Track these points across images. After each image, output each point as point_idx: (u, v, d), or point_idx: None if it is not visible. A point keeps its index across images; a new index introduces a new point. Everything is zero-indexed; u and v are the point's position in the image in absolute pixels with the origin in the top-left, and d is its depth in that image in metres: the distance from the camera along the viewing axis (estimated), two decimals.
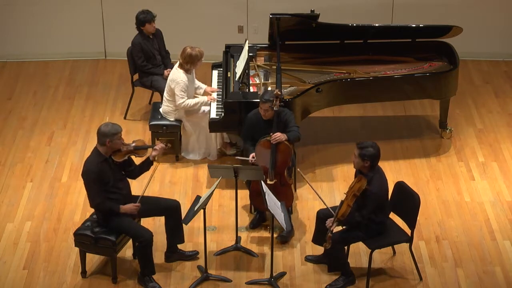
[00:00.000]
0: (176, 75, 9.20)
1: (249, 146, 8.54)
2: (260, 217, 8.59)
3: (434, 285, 7.86)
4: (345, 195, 7.50)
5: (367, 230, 7.64)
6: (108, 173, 7.60)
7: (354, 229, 7.65)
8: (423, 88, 9.51)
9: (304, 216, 8.71)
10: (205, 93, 9.54)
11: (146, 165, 7.89)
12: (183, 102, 9.21)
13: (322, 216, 7.79)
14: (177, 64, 9.25)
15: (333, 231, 7.46)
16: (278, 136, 8.26)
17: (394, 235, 7.80)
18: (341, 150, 9.67)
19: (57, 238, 8.41)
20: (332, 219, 7.51)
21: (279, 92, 8.38)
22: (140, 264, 7.79)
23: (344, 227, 7.74)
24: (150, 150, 7.89)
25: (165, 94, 9.37)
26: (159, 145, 7.85)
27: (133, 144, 7.74)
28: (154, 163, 7.86)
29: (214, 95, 9.48)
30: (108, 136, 7.54)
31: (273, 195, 7.80)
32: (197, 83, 9.58)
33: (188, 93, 9.27)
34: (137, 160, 7.96)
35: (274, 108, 8.34)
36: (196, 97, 9.39)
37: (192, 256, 8.14)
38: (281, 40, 9.60)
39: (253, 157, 8.41)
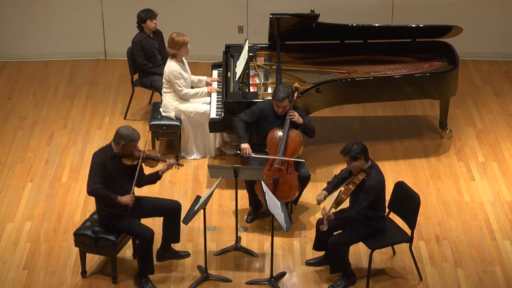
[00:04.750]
0: (168, 65, 9.35)
1: (244, 133, 8.50)
2: (256, 209, 8.60)
3: (434, 285, 7.86)
4: (343, 187, 7.54)
5: (369, 228, 7.65)
6: (114, 170, 7.61)
7: (355, 229, 7.65)
8: (423, 88, 9.51)
9: (304, 216, 8.71)
10: (206, 84, 9.66)
11: (154, 177, 7.89)
12: (182, 91, 9.30)
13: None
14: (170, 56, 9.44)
15: (329, 215, 7.52)
16: (296, 114, 8.39)
17: (394, 235, 7.80)
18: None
19: (57, 238, 8.41)
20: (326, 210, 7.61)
21: (298, 85, 8.65)
22: (139, 263, 7.79)
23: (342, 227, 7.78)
24: (160, 164, 7.85)
25: (163, 88, 9.44)
26: (171, 161, 7.83)
27: (146, 153, 7.74)
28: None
29: (215, 84, 9.54)
30: (124, 139, 7.57)
31: (273, 196, 7.81)
32: (196, 77, 9.68)
33: (186, 84, 9.37)
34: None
35: (292, 100, 8.50)
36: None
37: (184, 256, 8.15)
38: (281, 40, 9.60)
39: (248, 150, 8.39)
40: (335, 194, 7.69)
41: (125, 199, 7.62)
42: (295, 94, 8.63)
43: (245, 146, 8.47)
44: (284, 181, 8.35)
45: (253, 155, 8.43)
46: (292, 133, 8.44)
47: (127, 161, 7.68)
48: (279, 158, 8.34)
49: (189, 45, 9.32)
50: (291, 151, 8.40)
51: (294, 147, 8.41)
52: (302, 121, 8.50)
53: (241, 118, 8.58)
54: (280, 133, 8.44)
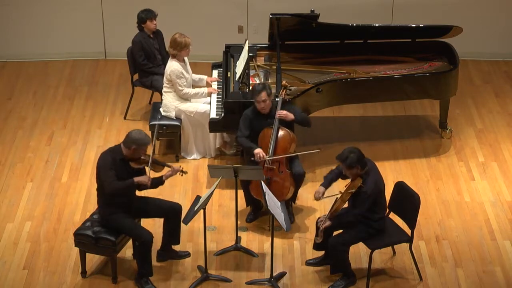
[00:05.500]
0: (170, 64, 9.37)
1: (251, 143, 8.49)
2: (256, 208, 8.60)
3: (434, 285, 7.86)
4: (340, 194, 7.53)
5: (368, 229, 7.65)
6: (121, 171, 7.62)
7: (355, 229, 7.65)
8: (423, 88, 9.51)
9: (304, 216, 8.71)
10: (207, 84, 9.68)
11: (156, 182, 7.87)
12: (182, 90, 9.30)
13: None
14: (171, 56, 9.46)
15: (325, 226, 7.54)
16: (284, 112, 8.39)
17: (394, 235, 7.80)
18: (341, 150, 9.63)
19: (57, 238, 8.41)
20: (325, 215, 7.60)
21: (286, 83, 8.69)
22: (138, 264, 7.80)
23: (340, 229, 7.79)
24: (166, 169, 7.86)
25: (163, 87, 9.45)
26: (176, 168, 7.84)
27: (153, 158, 7.74)
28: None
29: (215, 85, 9.55)
30: (136, 144, 7.57)
31: (273, 196, 7.81)
32: (197, 76, 9.70)
33: (187, 84, 9.40)
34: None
35: (281, 98, 8.51)
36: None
37: (184, 256, 8.15)
38: (281, 40, 9.60)
39: (261, 153, 8.34)
40: (332, 199, 7.67)
41: (143, 178, 7.66)
42: (284, 92, 8.63)
43: (258, 150, 8.38)
44: (276, 180, 8.35)
45: (267, 158, 8.39)
46: (281, 132, 8.44)
47: (134, 164, 7.70)
48: (294, 154, 8.34)
49: (190, 46, 9.32)
50: (281, 150, 8.40)
51: (285, 145, 8.41)
52: (292, 118, 8.49)
53: (241, 135, 8.56)
54: (269, 133, 8.43)
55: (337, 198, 7.56)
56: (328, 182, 7.81)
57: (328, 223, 7.57)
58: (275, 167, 8.36)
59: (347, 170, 7.52)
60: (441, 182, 9.23)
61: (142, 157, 7.71)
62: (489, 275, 7.97)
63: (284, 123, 8.49)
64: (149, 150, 7.77)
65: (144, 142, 7.61)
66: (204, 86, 9.65)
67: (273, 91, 8.75)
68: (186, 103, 9.45)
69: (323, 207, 8.71)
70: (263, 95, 8.41)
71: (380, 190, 7.61)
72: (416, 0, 11.27)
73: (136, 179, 7.65)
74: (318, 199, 7.74)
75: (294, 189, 8.47)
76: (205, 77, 9.73)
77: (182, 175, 7.90)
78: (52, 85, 11.06)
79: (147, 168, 7.77)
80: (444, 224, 8.62)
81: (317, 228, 7.77)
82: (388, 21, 11.27)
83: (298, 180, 8.46)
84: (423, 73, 9.56)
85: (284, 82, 8.78)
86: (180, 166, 7.87)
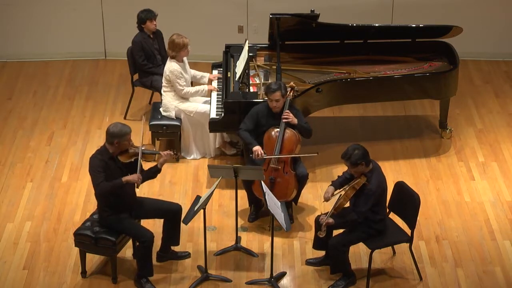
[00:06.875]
0: (169, 65, 9.36)
1: (252, 139, 8.48)
2: (257, 207, 8.60)
3: (434, 285, 7.86)
4: (344, 191, 7.53)
5: (369, 230, 7.65)
6: (113, 170, 7.59)
7: (356, 229, 7.65)
8: (423, 88, 9.51)
9: (304, 217, 8.71)
10: (209, 81, 9.71)
11: (153, 172, 7.84)
12: (182, 90, 9.31)
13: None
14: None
15: (327, 223, 7.53)
16: (291, 115, 8.40)
17: (394, 235, 7.80)
18: (341, 150, 9.53)
19: (57, 238, 8.41)
20: (327, 212, 7.61)
21: (293, 85, 8.69)
22: (138, 264, 7.79)
23: (342, 228, 7.78)
24: (158, 156, 7.84)
25: (162, 87, 9.45)
26: (167, 152, 7.81)
27: (142, 148, 7.72)
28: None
29: (215, 83, 9.55)
30: (116, 137, 7.54)
31: (273, 196, 7.81)
32: (199, 73, 9.71)
33: (186, 84, 9.42)
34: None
35: (288, 99, 8.51)
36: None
37: (184, 256, 8.14)
38: (281, 40, 9.60)
39: (259, 151, 8.34)
40: (336, 197, 7.68)
41: (132, 177, 7.58)
42: (291, 94, 8.64)
43: (256, 148, 8.40)
44: (281, 180, 8.35)
45: (265, 156, 8.39)
46: (288, 132, 8.44)
47: (124, 158, 7.65)
48: (290, 156, 8.34)
49: (189, 46, 9.33)
50: (287, 150, 8.40)
51: (290, 146, 8.41)
52: (296, 122, 8.48)
53: (243, 128, 8.56)
54: (276, 133, 8.44)
55: (340, 194, 7.57)
56: (338, 183, 7.79)
57: (330, 220, 7.56)
58: (280, 167, 8.36)
59: (352, 168, 7.53)
60: (441, 182, 9.23)
61: (131, 150, 7.67)
62: (489, 275, 7.98)
63: (289, 125, 8.49)
64: (138, 142, 7.75)
65: (123, 132, 7.55)
66: (205, 83, 9.67)
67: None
68: (185, 103, 9.46)
69: (323, 207, 8.71)
70: (277, 94, 8.41)
71: (384, 189, 7.61)
72: (416, 0, 11.27)
73: (125, 178, 7.57)
74: (328, 199, 7.71)
75: (297, 190, 8.47)
76: (207, 74, 9.74)
77: (176, 157, 7.88)
78: (52, 85, 11.06)
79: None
80: (444, 224, 8.62)
81: (318, 224, 7.75)
82: (388, 21, 11.27)
83: (302, 182, 8.46)
84: (423, 73, 9.56)
85: (291, 83, 8.76)
86: (171, 150, 7.82)
